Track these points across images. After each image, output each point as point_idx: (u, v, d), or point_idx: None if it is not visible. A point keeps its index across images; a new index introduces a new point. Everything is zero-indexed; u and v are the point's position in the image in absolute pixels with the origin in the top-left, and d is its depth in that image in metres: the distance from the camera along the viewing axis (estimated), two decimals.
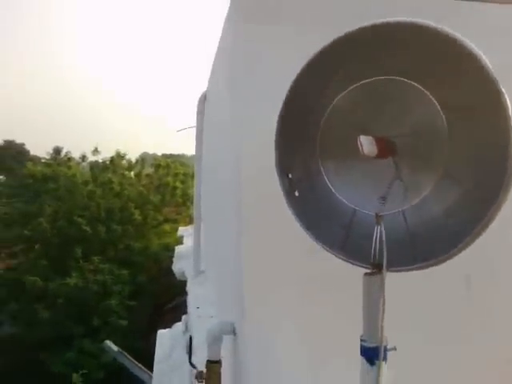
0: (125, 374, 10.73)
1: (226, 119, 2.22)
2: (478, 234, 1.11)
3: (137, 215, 18.60)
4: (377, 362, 1.22)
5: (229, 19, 2.12)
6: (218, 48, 2.83)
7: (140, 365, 8.50)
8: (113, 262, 17.23)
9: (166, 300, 16.19)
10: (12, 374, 15.68)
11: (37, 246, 17.85)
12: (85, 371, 12.02)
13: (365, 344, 1.25)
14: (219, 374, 1.96)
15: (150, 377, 7.12)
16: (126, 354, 8.96)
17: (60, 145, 22.25)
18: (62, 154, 21.81)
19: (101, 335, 14.50)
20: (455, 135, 1.17)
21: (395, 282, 1.55)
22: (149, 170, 21.83)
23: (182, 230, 6.76)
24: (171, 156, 30.69)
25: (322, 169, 1.36)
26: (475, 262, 2.01)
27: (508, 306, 2.04)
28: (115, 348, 9.28)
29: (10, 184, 21.71)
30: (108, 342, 9.62)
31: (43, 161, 22.40)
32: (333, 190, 1.34)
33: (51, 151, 22.37)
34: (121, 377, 13.06)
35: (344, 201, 1.32)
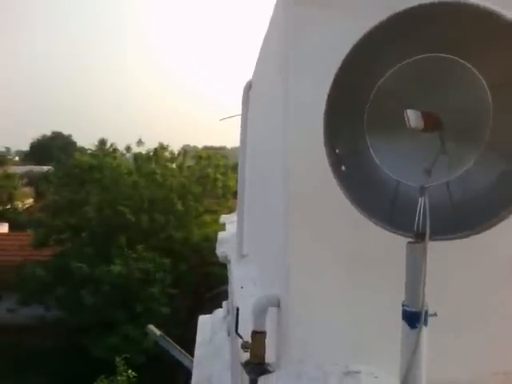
0: (165, 358, 11.04)
1: (275, 103, 2.30)
2: None
3: (179, 206, 18.95)
4: (417, 325, 1.29)
5: (279, 5, 2.20)
6: (266, 36, 2.91)
7: (181, 350, 8.74)
8: (155, 250, 17.64)
9: (205, 289, 16.49)
10: (56, 356, 16.40)
11: (83, 234, 18.51)
12: (127, 355, 12.39)
13: (407, 309, 1.31)
14: (264, 343, 2.06)
15: (191, 361, 7.30)
16: (167, 338, 9.23)
17: (105, 136, 22.99)
18: (107, 145, 22.52)
19: (142, 321, 14.91)
20: (500, 111, 1.22)
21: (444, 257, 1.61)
22: (190, 161, 22.21)
23: (224, 218, 6.93)
24: (212, 148, 31.00)
25: (368, 143, 1.42)
26: None
27: None
28: (157, 332, 9.55)
29: (57, 174, 22.55)
30: (151, 326, 9.91)
31: (89, 152, 23.16)
32: (379, 164, 1.40)
33: (97, 142, 23.14)
34: (161, 362, 13.43)
35: (389, 174, 1.38)
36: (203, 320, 7.72)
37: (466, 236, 1.26)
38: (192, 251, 18.16)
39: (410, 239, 1.33)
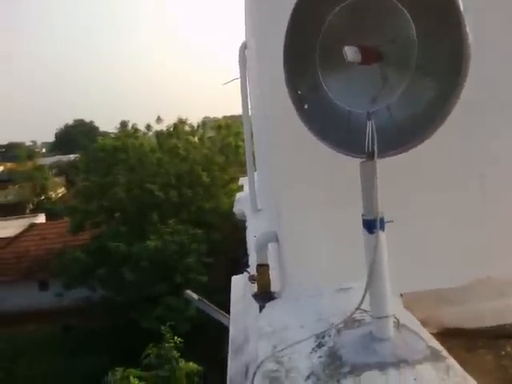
0: (210, 325, 11.57)
1: (252, 56, 2.50)
2: (447, 113, 1.36)
3: (204, 177, 19.32)
4: (375, 231, 1.51)
5: None
6: None
7: (219, 310, 9.18)
8: (187, 223, 18.14)
9: (239, 255, 16.96)
10: (107, 333, 17.25)
11: (116, 215, 19.15)
12: (172, 323, 13.00)
13: (364, 218, 1.54)
14: (268, 274, 2.32)
15: (229, 320, 7.70)
16: (205, 301, 9.69)
17: (126, 118, 23.39)
18: (129, 126, 22.93)
19: (183, 292, 15.52)
20: (422, 37, 1.41)
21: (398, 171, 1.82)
22: (211, 132, 22.45)
23: (243, 180, 7.19)
24: (232, 117, 31.07)
25: (322, 81, 1.62)
26: (488, 162, 2.22)
27: None
28: (196, 296, 10.04)
29: (84, 160, 23.19)
30: (189, 292, 10.39)
31: (112, 135, 23.64)
32: (332, 97, 1.60)
33: (118, 125, 23.58)
34: (206, 329, 14.02)
35: (342, 105, 1.58)
36: (236, 280, 8.08)
37: (407, 149, 1.47)
38: (223, 220, 18.56)
39: (363, 160, 1.54)
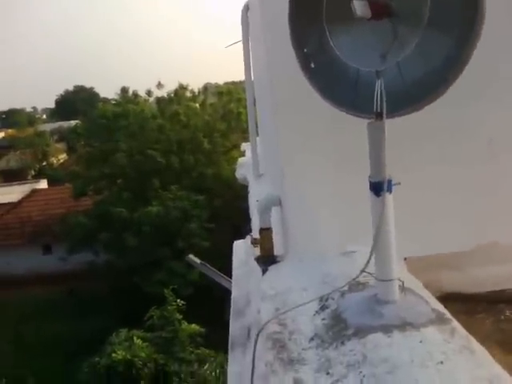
0: (214, 289, 11.72)
1: (256, 17, 2.42)
2: (460, 70, 1.31)
3: (206, 144, 19.24)
4: (382, 193, 1.48)
5: None
6: None
7: (221, 274, 9.28)
8: (189, 189, 18.16)
9: (242, 221, 17.03)
10: (110, 297, 17.54)
11: (118, 181, 19.17)
12: (174, 286, 13.19)
13: (371, 180, 1.50)
14: (271, 238, 2.30)
15: (231, 283, 7.78)
16: (208, 265, 9.79)
17: (126, 84, 23.10)
18: (130, 93, 22.66)
19: (185, 256, 15.67)
20: None
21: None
22: (212, 99, 22.20)
23: (245, 146, 7.13)
24: (234, 83, 30.64)
25: (329, 38, 1.56)
26: (496, 127, 2.17)
27: None
28: (198, 260, 10.14)
29: (85, 126, 23.03)
30: (191, 256, 10.49)
31: (113, 101, 23.41)
32: (339, 55, 1.54)
33: (119, 92, 23.30)
34: (209, 292, 14.21)
35: (349, 63, 1.52)
36: (238, 245, 8.14)
37: (418, 109, 1.42)
38: (225, 186, 18.58)
39: (372, 120, 1.49)
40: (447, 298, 2.26)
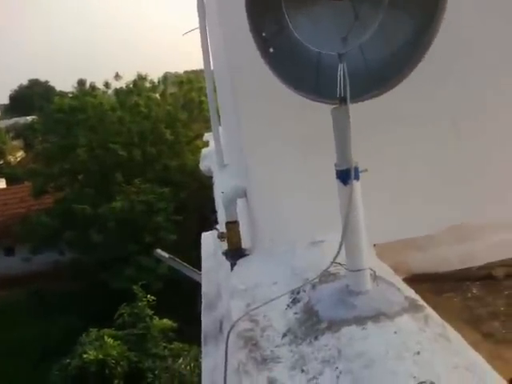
0: (183, 283, 11.61)
1: (212, 4, 2.32)
2: (424, 51, 1.26)
3: (168, 135, 18.92)
4: (349, 181, 1.43)
5: None
6: None
7: (190, 266, 9.18)
8: (153, 182, 17.87)
9: (209, 212, 16.89)
10: (77, 296, 17.16)
11: (80, 177, 18.68)
12: (144, 282, 12.99)
13: (338, 168, 1.45)
14: (238, 232, 2.23)
15: (200, 275, 7.71)
16: (176, 258, 9.67)
17: (84, 77, 22.45)
18: (87, 85, 22.02)
19: (153, 250, 15.45)
20: None
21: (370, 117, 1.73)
22: (173, 88, 21.83)
23: (207, 136, 7.02)
24: (194, 72, 30.23)
25: (288, 20, 1.49)
26: (460, 109, 2.16)
27: (492, 144, 2.20)
28: (166, 254, 10.01)
29: (42, 122, 22.29)
30: (158, 250, 10.35)
31: (70, 95, 22.72)
32: (299, 39, 1.47)
33: (75, 85, 22.61)
34: (179, 286, 14.06)
35: (310, 46, 1.46)
36: (206, 236, 8.07)
37: (382, 93, 1.37)
38: (190, 177, 18.36)
39: (335, 106, 1.44)
40: (415, 280, 2.26)
